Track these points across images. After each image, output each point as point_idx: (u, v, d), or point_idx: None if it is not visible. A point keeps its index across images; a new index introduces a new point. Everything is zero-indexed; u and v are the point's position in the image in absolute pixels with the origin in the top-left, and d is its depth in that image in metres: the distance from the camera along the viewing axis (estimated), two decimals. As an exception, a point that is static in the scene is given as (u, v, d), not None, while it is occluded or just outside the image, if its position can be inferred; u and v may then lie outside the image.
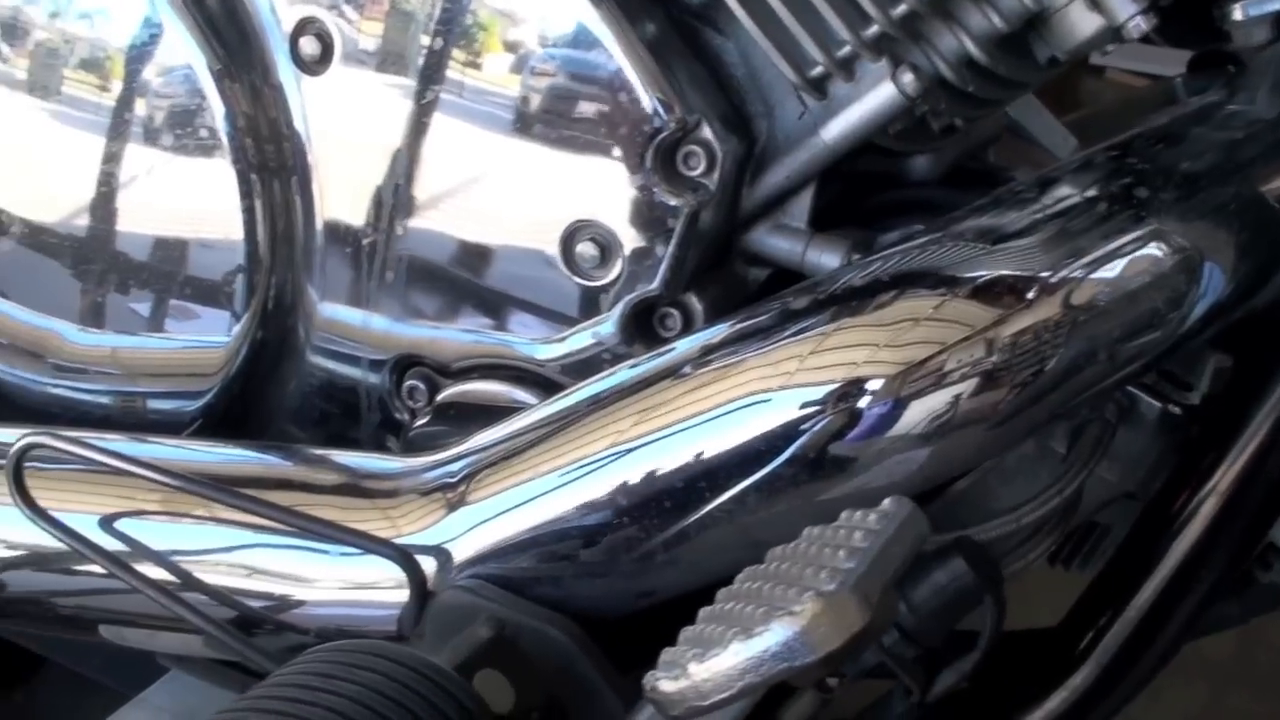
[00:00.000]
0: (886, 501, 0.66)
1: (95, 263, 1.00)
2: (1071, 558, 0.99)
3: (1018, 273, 0.77)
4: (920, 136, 0.92)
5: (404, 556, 0.81)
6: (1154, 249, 0.77)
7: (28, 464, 0.88)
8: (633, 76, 0.85)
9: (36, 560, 0.94)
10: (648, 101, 0.85)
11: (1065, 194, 0.80)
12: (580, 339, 0.89)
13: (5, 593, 0.96)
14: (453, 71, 0.89)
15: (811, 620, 0.57)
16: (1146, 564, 0.85)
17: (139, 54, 0.97)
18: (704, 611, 0.65)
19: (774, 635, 0.58)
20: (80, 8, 0.99)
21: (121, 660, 1.25)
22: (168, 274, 0.99)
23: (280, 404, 1.01)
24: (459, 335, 0.93)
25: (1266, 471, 0.84)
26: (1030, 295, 0.76)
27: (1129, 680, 0.85)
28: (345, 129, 0.94)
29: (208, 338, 0.98)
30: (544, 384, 0.91)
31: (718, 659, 0.59)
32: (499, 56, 0.89)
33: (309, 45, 0.93)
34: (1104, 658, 0.84)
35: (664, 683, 0.61)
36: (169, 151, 0.97)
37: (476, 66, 0.89)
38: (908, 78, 0.83)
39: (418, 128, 0.91)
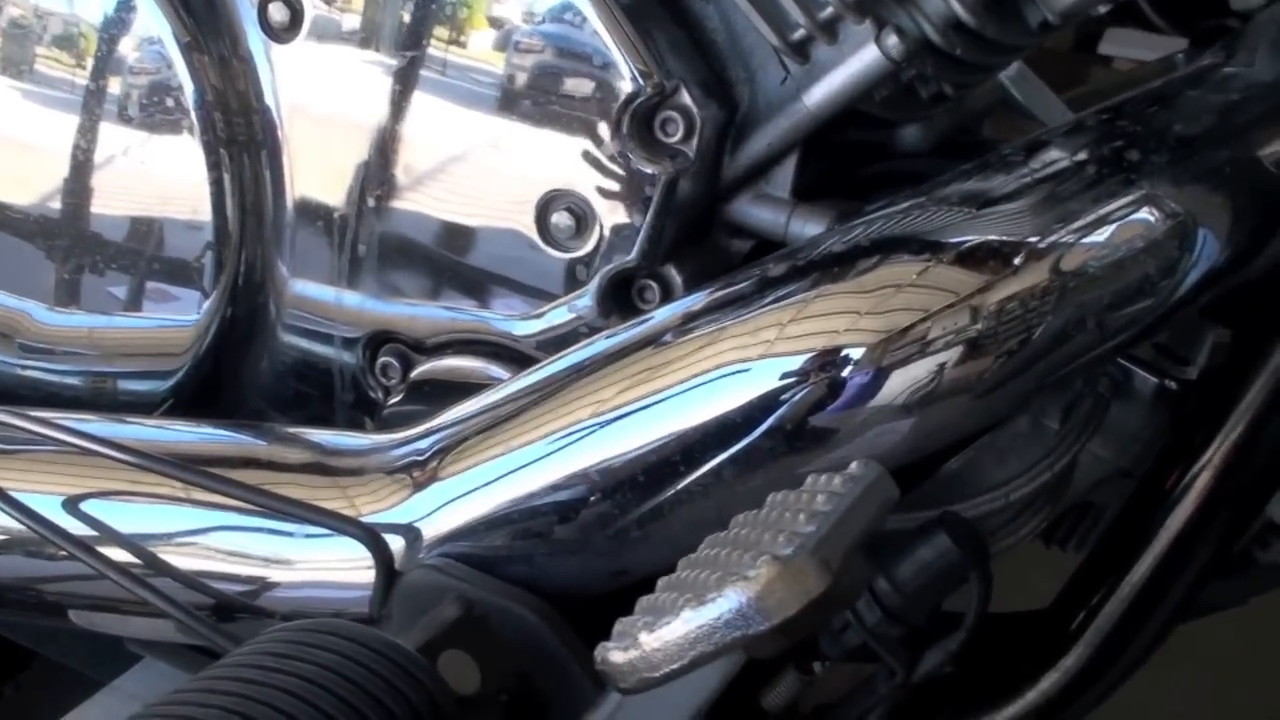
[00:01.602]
0: (853, 464, 0.63)
1: (63, 241, 0.98)
2: (1066, 538, 0.97)
3: (1004, 238, 0.74)
4: (909, 104, 0.89)
5: (370, 535, 0.78)
6: (1145, 214, 0.75)
7: (-11, 444, 0.86)
8: (608, 40, 0.83)
9: (1, 545, 0.91)
10: (624, 66, 0.82)
11: (1054, 158, 0.78)
12: (558, 314, 0.87)
13: (-30, 579, 0.94)
14: (425, 38, 0.87)
15: (765, 586, 0.54)
16: (1139, 541, 0.82)
17: (106, 27, 0.95)
18: (663, 580, 0.62)
19: (726, 602, 0.55)
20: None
21: (109, 653, 1.23)
22: (137, 251, 0.97)
23: (253, 383, 0.99)
24: (433, 311, 0.91)
25: (1262, 446, 0.82)
26: (1017, 261, 0.73)
27: (1123, 661, 0.83)
28: (315, 100, 0.92)
29: (177, 316, 0.96)
30: (520, 359, 0.89)
31: (668, 627, 0.56)
32: (472, 21, 0.86)
33: (278, 12, 0.91)
34: (1096, 638, 0.82)
35: (614, 653, 0.58)
36: (137, 127, 0.95)
37: (450, 32, 0.87)
38: (892, 40, 0.80)
39: (389, 97, 0.89)
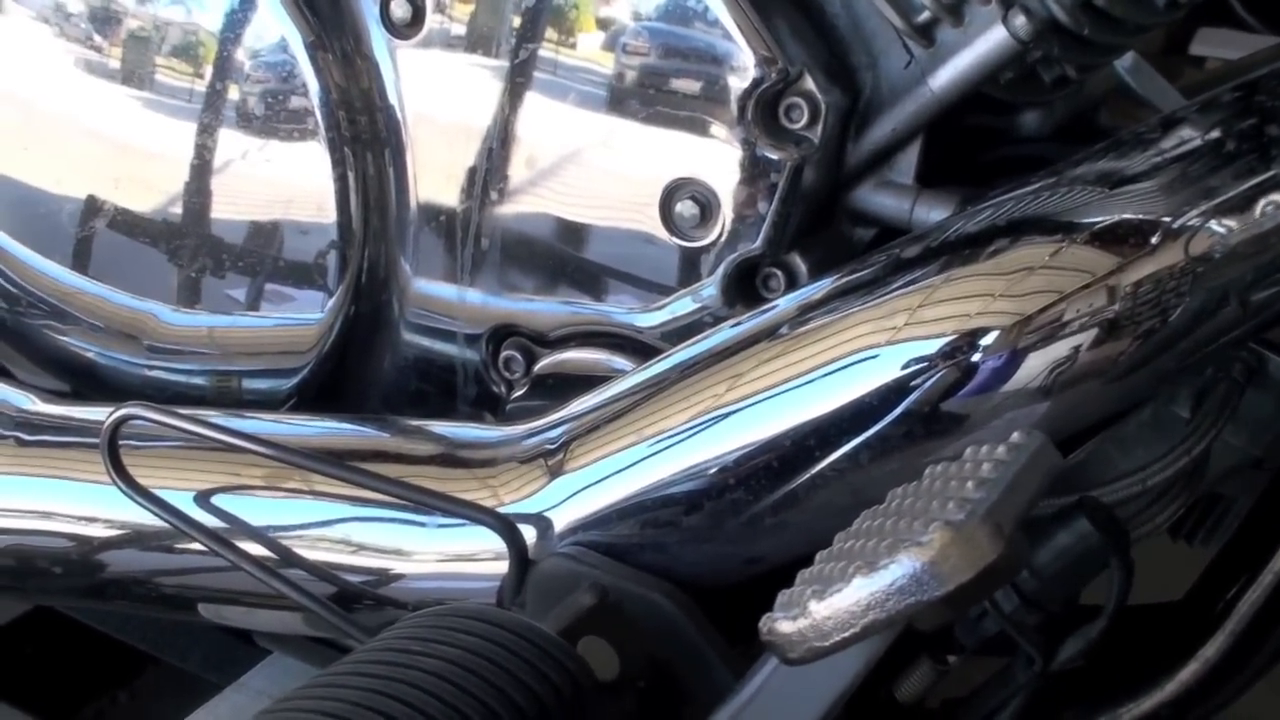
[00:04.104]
0: (1015, 434, 0.62)
1: (189, 242, 0.99)
2: (1194, 532, 0.95)
3: (1140, 217, 0.73)
4: (1032, 88, 0.88)
5: (504, 524, 0.79)
6: (1285, 191, 0.73)
7: (122, 440, 0.87)
8: (732, 27, 0.83)
9: (134, 539, 0.93)
10: (748, 52, 0.82)
11: (1188, 135, 0.77)
12: (682, 304, 0.87)
13: (105, 573, 0.95)
14: (546, 28, 0.87)
15: (941, 550, 0.54)
16: (1278, 530, 0.80)
17: (230, 29, 0.96)
18: (821, 554, 0.62)
19: (900, 568, 0.54)
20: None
21: (224, 654, 1.25)
22: (261, 251, 0.97)
23: (375, 380, 0.99)
24: (556, 305, 0.91)
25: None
26: (1154, 241, 0.72)
27: (1265, 651, 0.81)
28: (437, 96, 0.92)
29: (301, 315, 0.97)
30: (644, 350, 0.89)
31: (840, 595, 0.55)
32: (593, 12, 0.86)
33: (399, 9, 0.91)
34: (1238, 626, 0.81)
35: (782, 623, 0.57)
36: (261, 127, 0.95)
37: (570, 25, 0.87)
38: (1020, 20, 0.80)
39: (509, 92, 0.89)
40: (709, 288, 0.86)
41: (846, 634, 0.55)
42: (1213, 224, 0.72)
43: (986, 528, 0.54)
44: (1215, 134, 0.76)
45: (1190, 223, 0.73)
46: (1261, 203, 0.73)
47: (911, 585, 0.54)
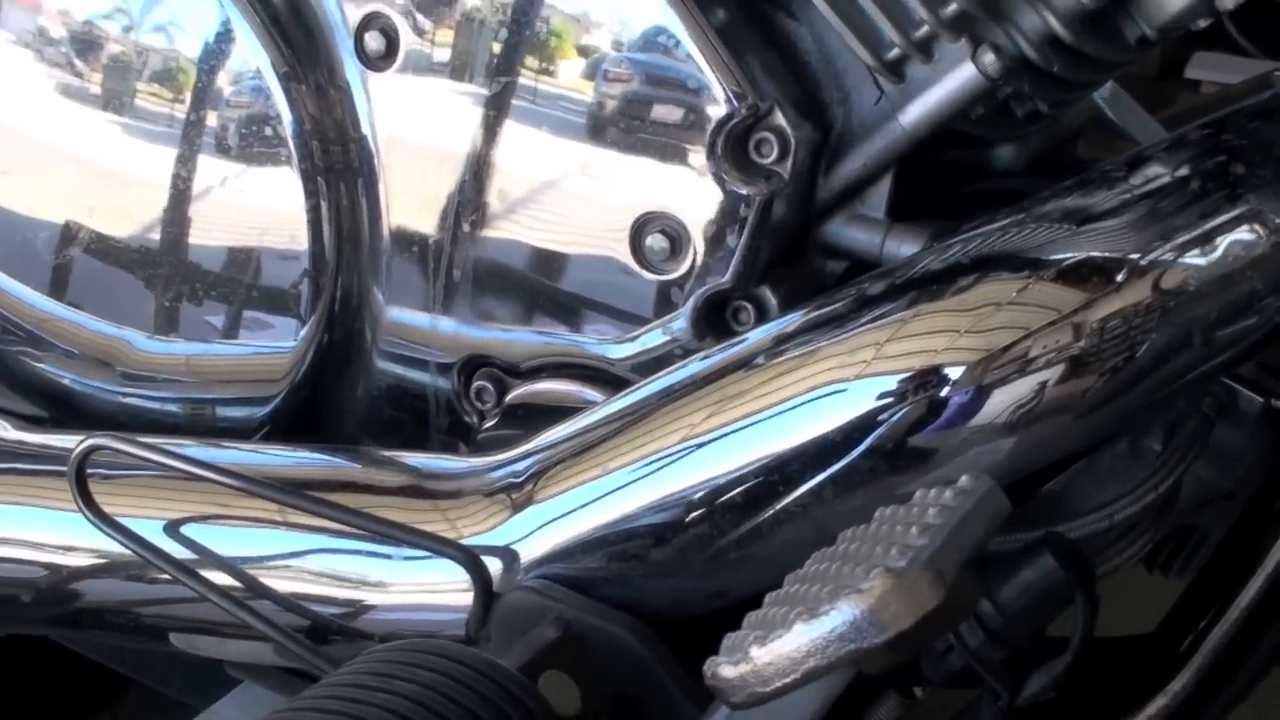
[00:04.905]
0: (964, 478, 0.62)
1: (163, 270, 0.99)
2: (1169, 563, 0.95)
3: (1106, 254, 0.73)
4: (1004, 123, 0.88)
5: (468, 557, 0.79)
6: (1251, 229, 0.74)
7: (90, 469, 0.87)
8: (703, 62, 0.83)
9: (105, 569, 0.93)
10: (718, 88, 0.82)
11: (1156, 173, 0.77)
12: (652, 336, 0.87)
13: (77, 603, 0.95)
14: (520, 63, 0.88)
15: (880, 598, 0.54)
16: (1249, 562, 0.80)
17: (205, 59, 0.96)
18: (770, 596, 0.62)
19: (840, 615, 0.54)
20: (146, 15, 0.98)
21: (204, 678, 1.25)
22: (235, 279, 0.98)
23: (348, 409, 0.99)
24: (528, 336, 0.91)
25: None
26: (1120, 278, 0.72)
27: (1233, 685, 0.81)
28: (411, 127, 0.93)
29: (274, 343, 0.97)
30: (615, 383, 0.89)
31: (780, 641, 0.55)
32: (566, 45, 0.87)
33: (374, 40, 0.92)
34: (1206, 661, 0.80)
35: (724, 668, 0.58)
36: (235, 157, 0.96)
37: (542, 58, 0.87)
38: (989, 58, 0.80)
39: (483, 124, 0.90)
40: (679, 320, 0.86)
41: (787, 679, 0.55)
42: (1179, 261, 0.73)
43: (928, 575, 0.54)
44: (1182, 171, 0.77)
45: (1156, 260, 0.73)
46: (1227, 240, 0.73)
47: (851, 632, 0.54)
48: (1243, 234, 0.74)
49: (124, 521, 0.87)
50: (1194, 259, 0.73)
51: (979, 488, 0.61)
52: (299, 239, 0.95)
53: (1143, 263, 0.73)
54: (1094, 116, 1.03)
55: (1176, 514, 0.87)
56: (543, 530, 0.81)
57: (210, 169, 0.97)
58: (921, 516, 0.59)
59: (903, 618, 0.53)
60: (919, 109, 0.83)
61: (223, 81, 0.96)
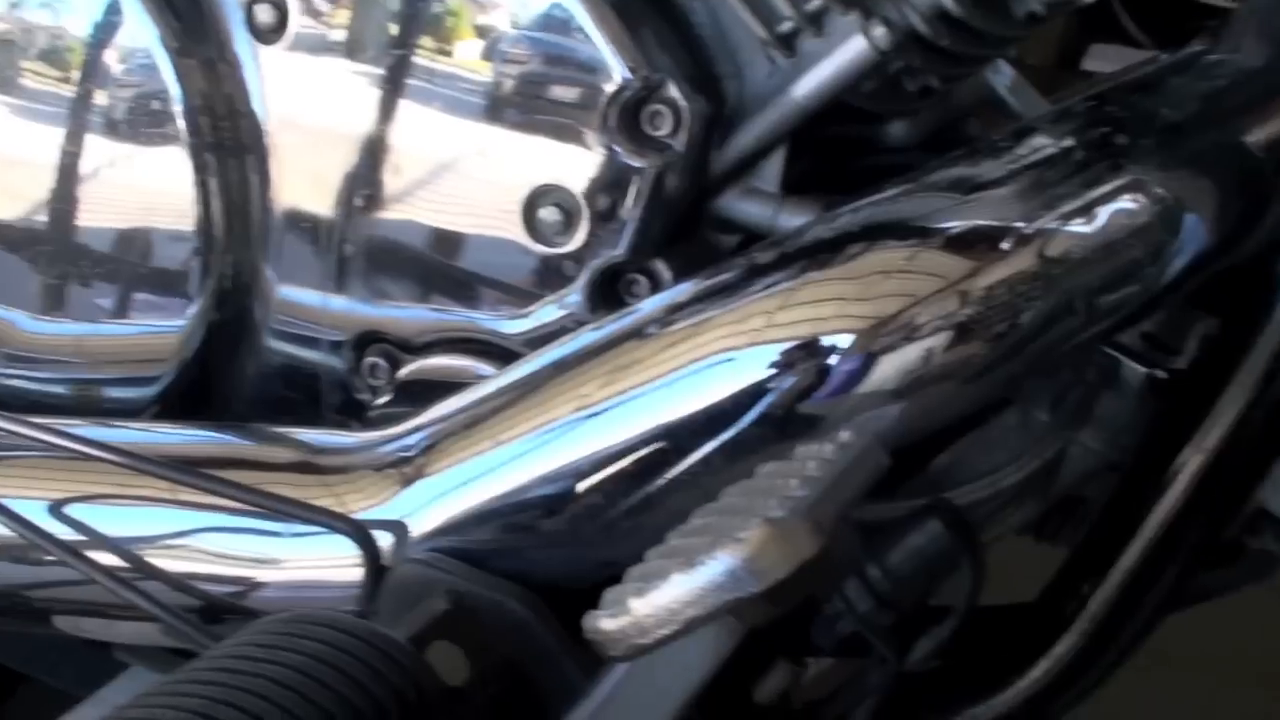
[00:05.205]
0: (844, 432, 0.63)
1: (47, 249, 0.98)
2: (1056, 533, 0.97)
3: (992, 223, 0.74)
4: (895, 98, 0.89)
5: (357, 530, 0.78)
6: (1132, 198, 0.75)
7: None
8: (596, 35, 0.83)
9: (-15, 551, 0.91)
10: (611, 60, 0.82)
11: (1042, 143, 0.78)
12: (546, 311, 0.87)
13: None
14: (411, 35, 0.87)
15: (758, 547, 0.54)
16: (1129, 529, 0.82)
17: (92, 34, 0.95)
18: (652, 550, 0.62)
19: (718, 564, 0.55)
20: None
21: (96, 669, 1.23)
22: (122, 258, 0.96)
23: (239, 388, 0.98)
24: (421, 312, 0.91)
25: (1249, 434, 0.81)
26: (1005, 246, 0.73)
27: (1114, 648, 0.83)
28: (302, 102, 0.92)
29: (163, 322, 0.96)
30: (509, 357, 0.88)
31: (659, 592, 0.56)
32: (458, 20, 0.87)
33: (264, 13, 0.91)
34: (1088, 625, 0.82)
35: (604, 621, 0.58)
36: (123, 133, 0.95)
37: (436, 32, 0.87)
38: (879, 31, 0.81)
39: (375, 98, 0.89)
40: (574, 294, 0.86)
41: (666, 630, 0.56)
42: (1063, 230, 0.74)
43: (806, 524, 0.54)
44: (1067, 142, 0.78)
45: (1041, 228, 0.74)
46: (1109, 210, 0.74)
47: (729, 582, 0.54)
48: (1125, 203, 0.75)
49: (4, 502, 0.85)
50: (1077, 228, 0.74)
51: (859, 442, 0.61)
52: (188, 216, 0.94)
53: (1028, 231, 0.73)
54: (987, 96, 1.04)
55: (1063, 485, 0.89)
56: (433, 504, 0.81)
57: (98, 146, 0.96)
58: (803, 469, 0.59)
59: (780, 566, 0.54)
60: (811, 82, 0.83)
61: (110, 57, 0.95)
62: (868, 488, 0.60)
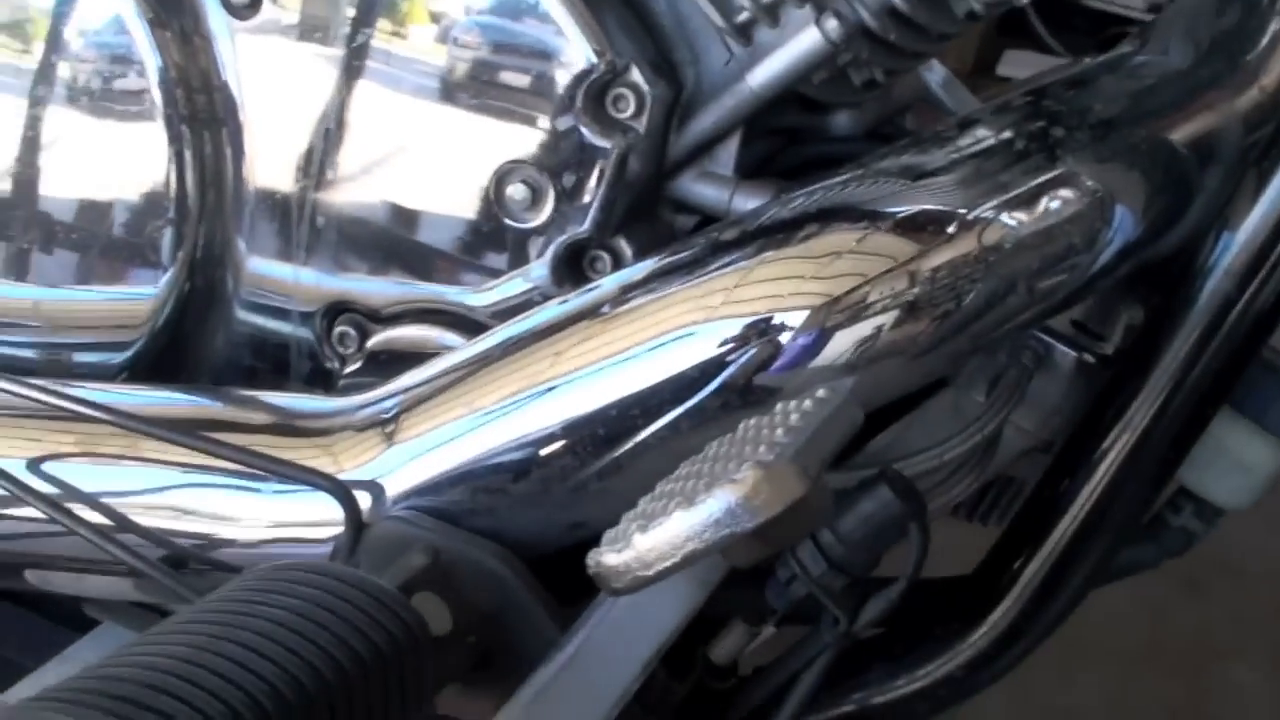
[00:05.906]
0: (821, 389, 0.67)
1: (22, 214, 0.99)
2: (989, 513, 1.02)
3: (939, 208, 0.79)
4: (843, 89, 0.93)
5: (339, 488, 0.81)
6: (1068, 189, 0.79)
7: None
8: (564, 20, 0.87)
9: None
10: (579, 44, 0.86)
11: (983, 134, 0.83)
12: (513, 284, 0.91)
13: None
14: (383, 14, 0.90)
15: (753, 486, 0.59)
16: (1059, 506, 0.87)
17: (67, 4, 0.96)
18: (645, 498, 0.66)
19: (717, 501, 0.59)
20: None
21: (41, 638, 1.24)
22: (96, 226, 0.98)
23: (209, 356, 1.01)
24: (391, 284, 0.94)
25: (1172, 417, 0.86)
26: (950, 230, 0.78)
27: (1046, 616, 0.87)
28: (275, 77, 0.94)
29: (135, 289, 0.98)
30: (475, 329, 0.92)
31: (662, 527, 0.60)
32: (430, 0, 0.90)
33: (237, -12, 0.93)
34: (1022, 595, 0.86)
35: (608, 556, 0.62)
36: (99, 102, 0.96)
37: (407, 10, 0.90)
38: (831, 24, 0.85)
39: (348, 73, 0.92)
40: (539, 268, 0.89)
41: (667, 563, 0.60)
42: (1004, 216, 0.78)
43: (794, 467, 0.59)
44: (1007, 134, 0.82)
45: (984, 215, 0.78)
46: (1047, 198, 0.79)
47: (726, 518, 0.59)
48: (1060, 193, 0.79)
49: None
50: (1017, 215, 0.79)
51: (836, 396, 0.66)
52: (162, 186, 0.96)
53: (971, 217, 0.78)
54: (923, 92, 1.09)
55: (996, 464, 0.93)
56: (411, 464, 0.84)
57: (73, 116, 0.97)
58: (785, 421, 0.64)
59: (772, 504, 0.59)
60: (766, 71, 0.88)
61: (86, 27, 0.96)
62: (845, 440, 0.65)
